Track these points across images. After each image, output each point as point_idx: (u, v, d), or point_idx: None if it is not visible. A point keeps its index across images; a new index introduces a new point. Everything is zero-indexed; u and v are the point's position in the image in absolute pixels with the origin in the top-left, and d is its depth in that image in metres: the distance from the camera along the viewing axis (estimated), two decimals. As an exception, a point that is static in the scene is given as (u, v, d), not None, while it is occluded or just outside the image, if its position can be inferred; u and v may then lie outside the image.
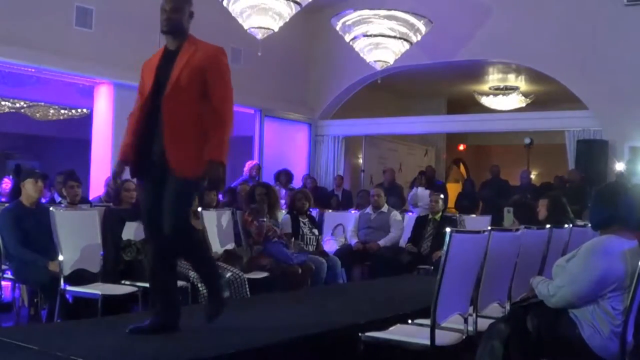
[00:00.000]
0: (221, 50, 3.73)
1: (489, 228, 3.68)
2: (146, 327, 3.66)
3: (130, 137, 3.74)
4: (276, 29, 8.30)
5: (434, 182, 11.93)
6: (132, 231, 5.56)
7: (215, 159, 3.58)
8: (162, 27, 3.69)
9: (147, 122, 3.66)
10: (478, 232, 3.64)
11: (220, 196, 8.32)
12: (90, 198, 8.20)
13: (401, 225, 8.08)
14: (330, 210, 9.04)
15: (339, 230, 8.33)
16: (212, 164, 3.57)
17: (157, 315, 3.72)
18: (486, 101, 14.47)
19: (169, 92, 3.59)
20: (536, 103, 14.13)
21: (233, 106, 3.70)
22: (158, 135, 3.61)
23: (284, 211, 7.52)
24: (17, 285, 5.50)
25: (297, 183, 11.06)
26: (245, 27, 8.27)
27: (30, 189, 5.33)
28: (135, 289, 5.08)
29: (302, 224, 7.28)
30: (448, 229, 3.29)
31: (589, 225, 3.55)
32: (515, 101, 14.24)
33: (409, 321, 3.89)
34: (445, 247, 3.27)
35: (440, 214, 7.84)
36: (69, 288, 4.91)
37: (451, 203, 12.10)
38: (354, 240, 7.99)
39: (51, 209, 5.15)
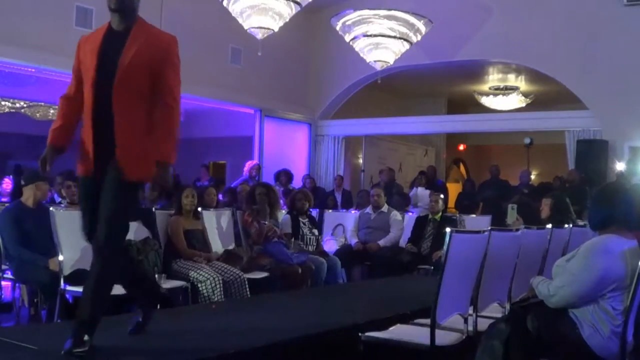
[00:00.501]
0: (174, 40, 3.43)
1: (489, 228, 3.68)
2: (142, 323, 3.66)
3: (60, 120, 3.42)
4: (276, 29, 8.30)
5: (435, 182, 11.92)
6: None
7: (165, 160, 3.32)
8: (110, 4, 3.34)
9: (94, 113, 3.29)
10: (478, 232, 3.64)
11: (220, 196, 8.34)
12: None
13: (401, 225, 8.08)
14: (330, 210, 9.04)
15: (339, 230, 8.33)
16: (162, 165, 3.30)
17: (144, 310, 3.72)
18: (486, 101, 14.47)
19: (119, 81, 3.24)
20: (536, 103, 14.13)
21: (180, 100, 3.41)
22: (106, 128, 3.26)
23: (284, 211, 7.53)
24: (17, 285, 5.50)
25: (297, 183, 11.06)
26: (245, 27, 8.26)
27: (41, 191, 5.34)
28: (135, 289, 5.07)
29: (302, 224, 7.28)
30: (448, 229, 3.29)
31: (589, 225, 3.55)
32: (515, 101, 14.24)
33: (409, 321, 3.89)
34: (445, 247, 3.27)
35: (440, 214, 7.85)
36: (69, 288, 4.91)
37: (451, 203, 12.10)
38: (354, 240, 7.99)
39: (51, 209, 5.15)
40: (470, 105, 15.15)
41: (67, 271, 4.99)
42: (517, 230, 4.08)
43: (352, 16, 9.17)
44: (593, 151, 10.37)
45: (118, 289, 5.01)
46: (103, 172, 3.29)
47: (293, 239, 6.96)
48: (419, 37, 9.41)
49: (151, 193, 6.77)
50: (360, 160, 14.31)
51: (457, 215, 8.57)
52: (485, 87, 14.60)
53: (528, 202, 8.31)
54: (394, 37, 9.17)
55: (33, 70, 9.29)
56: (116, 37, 3.33)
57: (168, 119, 3.32)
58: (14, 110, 12.69)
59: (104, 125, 3.27)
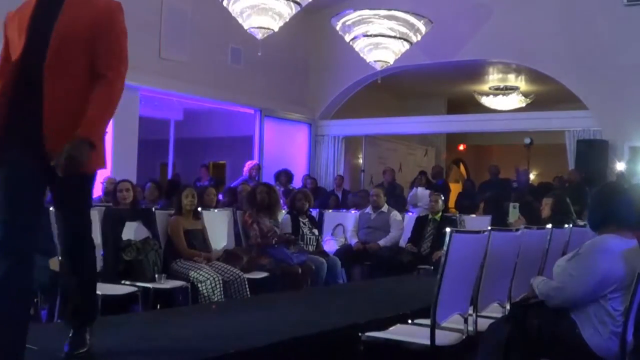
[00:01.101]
0: (117, 6, 2.91)
1: (489, 228, 3.68)
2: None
3: None
4: (276, 29, 8.30)
5: (437, 182, 11.87)
6: (132, 231, 5.57)
7: (83, 135, 2.70)
8: None
9: (17, 96, 2.78)
10: (478, 232, 3.63)
11: (220, 196, 8.34)
12: (90, 198, 8.19)
13: (401, 225, 8.08)
14: (330, 210, 9.04)
15: (339, 230, 8.34)
16: (77, 139, 2.68)
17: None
18: (486, 101, 14.46)
19: (52, 59, 2.73)
20: (536, 103, 14.13)
21: (124, 78, 2.92)
22: (33, 115, 2.73)
23: (284, 211, 7.53)
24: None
25: (297, 183, 11.06)
26: (245, 27, 8.27)
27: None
28: (135, 289, 5.08)
29: (302, 224, 7.28)
30: (448, 229, 3.29)
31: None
32: (515, 101, 14.24)
33: (409, 321, 3.89)
34: (445, 247, 3.27)
35: (440, 214, 7.85)
36: (69, 288, 4.91)
37: (451, 203, 12.09)
38: (354, 240, 7.99)
39: (51, 208, 5.14)
40: (470, 105, 15.15)
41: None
42: (517, 230, 4.08)
43: (352, 16, 9.18)
44: (593, 151, 10.37)
45: (118, 289, 5.04)
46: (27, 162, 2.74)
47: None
48: (419, 37, 9.41)
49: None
50: (360, 160, 14.31)
51: (457, 215, 8.57)
52: (485, 87, 14.60)
53: (530, 202, 8.30)
54: (394, 37, 9.17)
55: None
56: (49, 8, 2.81)
57: (104, 94, 2.80)
58: (14, 111, 12.68)
59: (21, 108, 2.76)
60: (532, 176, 13.43)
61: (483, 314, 3.66)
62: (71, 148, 2.65)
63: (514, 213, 6.59)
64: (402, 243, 7.96)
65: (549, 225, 4.59)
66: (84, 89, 2.79)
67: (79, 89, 2.78)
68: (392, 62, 9.75)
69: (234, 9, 8.08)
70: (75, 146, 2.66)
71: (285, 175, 10.70)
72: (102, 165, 2.93)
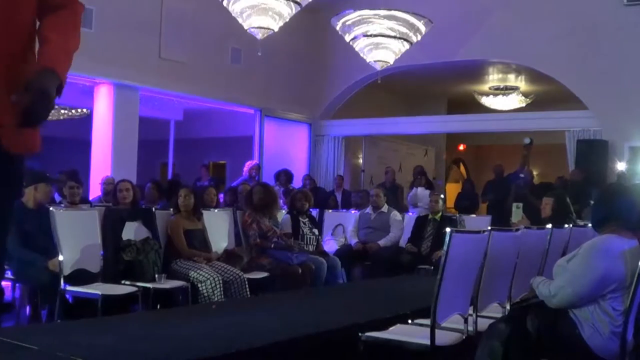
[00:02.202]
0: None
1: (489, 228, 3.68)
2: None
3: None
4: (276, 29, 8.29)
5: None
6: (132, 231, 5.58)
7: (52, 67, 1.86)
8: None
9: None
10: (478, 232, 3.64)
11: (221, 196, 8.35)
12: (90, 198, 8.21)
13: (401, 225, 8.08)
14: (330, 210, 9.04)
15: (339, 230, 8.33)
16: (46, 70, 1.83)
17: None
18: (486, 101, 14.46)
19: None
20: (536, 103, 14.13)
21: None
22: None
23: (284, 211, 7.53)
24: (17, 285, 5.50)
25: (297, 183, 11.06)
26: (245, 27, 8.25)
27: (40, 193, 5.33)
28: (135, 289, 5.09)
29: (302, 224, 7.28)
30: (448, 229, 3.29)
31: (589, 225, 3.56)
32: (515, 101, 14.24)
33: (409, 321, 3.89)
34: (445, 247, 3.27)
35: (440, 214, 7.85)
36: (69, 288, 4.92)
37: (450, 203, 12.09)
38: (354, 240, 7.99)
39: (51, 209, 5.15)
40: (470, 105, 15.14)
41: (67, 271, 5.00)
42: (517, 230, 4.08)
43: (352, 16, 9.17)
44: (593, 151, 10.37)
45: (118, 289, 5.04)
46: None
47: (292, 239, 6.97)
48: (419, 37, 9.40)
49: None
50: (360, 160, 14.30)
51: (457, 215, 8.58)
52: (485, 87, 14.59)
53: (531, 200, 8.30)
54: (394, 37, 9.16)
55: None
56: None
57: (71, 22, 2.06)
58: (14, 111, 12.65)
59: None
60: (522, 175, 13.42)
61: (483, 314, 3.66)
62: (40, 78, 1.79)
63: (517, 213, 6.59)
64: (402, 243, 7.96)
65: (549, 225, 4.59)
66: (31, 33, 2.00)
67: (28, 33, 1.99)
68: (392, 62, 9.73)
69: (234, 9, 8.07)
70: (44, 76, 1.80)
71: (285, 175, 10.70)
72: (28, 147, 2.01)
